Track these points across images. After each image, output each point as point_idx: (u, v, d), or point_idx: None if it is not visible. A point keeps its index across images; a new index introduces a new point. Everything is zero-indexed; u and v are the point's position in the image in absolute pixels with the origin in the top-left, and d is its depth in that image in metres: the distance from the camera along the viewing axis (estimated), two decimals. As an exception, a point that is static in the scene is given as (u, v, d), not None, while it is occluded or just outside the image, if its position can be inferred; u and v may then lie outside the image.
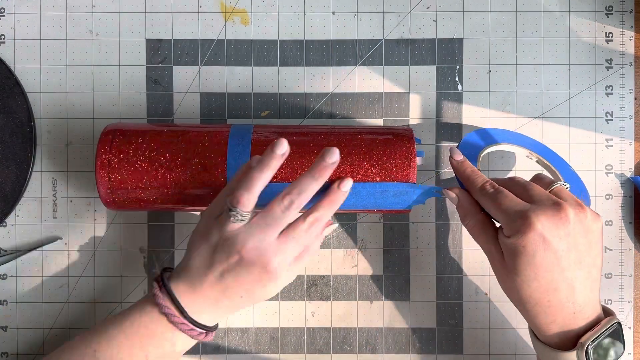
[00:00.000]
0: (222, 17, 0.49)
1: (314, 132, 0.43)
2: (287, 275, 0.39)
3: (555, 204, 0.37)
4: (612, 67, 0.49)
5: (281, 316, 0.50)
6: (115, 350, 0.37)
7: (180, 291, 0.38)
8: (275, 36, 0.49)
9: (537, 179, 0.41)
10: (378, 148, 0.42)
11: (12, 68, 0.49)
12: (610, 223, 0.49)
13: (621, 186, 0.49)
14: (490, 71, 0.49)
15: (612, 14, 0.49)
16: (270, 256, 0.37)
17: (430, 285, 0.49)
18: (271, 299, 0.49)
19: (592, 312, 0.38)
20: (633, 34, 0.49)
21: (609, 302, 0.49)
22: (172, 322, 0.37)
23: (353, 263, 0.50)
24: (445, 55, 0.49)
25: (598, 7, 0.49)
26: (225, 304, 0.39)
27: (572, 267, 0.37)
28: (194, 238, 0.40)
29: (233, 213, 0.37)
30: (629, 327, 0.49)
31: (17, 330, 0.49)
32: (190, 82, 0.49)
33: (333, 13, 0.49)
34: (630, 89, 0.49)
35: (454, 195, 0.42)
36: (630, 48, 0.49)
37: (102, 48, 0.49)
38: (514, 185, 0.40)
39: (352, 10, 0.49)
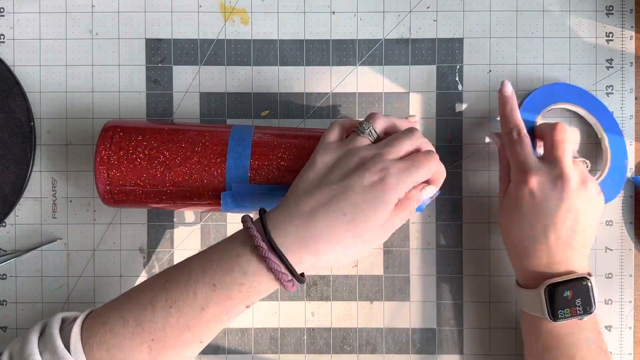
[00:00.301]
0: (222, 16, 0.49)
1: (310, 136, 0.43)
2: (392, 217, 0.36)
3: (559, 170, 0.41)
4: (612, 67, 0.49)
5: (281, 316, 0.50)
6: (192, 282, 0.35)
7: (279, 221, 0.35)
8: (275, 36, 0.49)
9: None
10: None
11: (11, 68, 0.49)
12: (610, 223, 0.49)
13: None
14: (490, 71, 0.49)
15: (612, 13, 0.49)
16: (389, 170, 0.36)
17: (430, 285, 0.49)
18: (271, 299, 0.49)
19: (566, 267, 0.41)
20: (633, 33, 0.49)
21: (609, 302, 0.49)
22: (271, 270, 0.34)
23: (353, 263, 0.50)
24: (445, 55, 0.49)
25: (598, 7, 0.49)
26: (324, 229, 0.35)
27: (558, 225, 0.41)
28: (303, 171, 0.38)
29: (364, 126, 0.39)
30: (629, 327, 0.49)
31: (17, 330, 0.49)
32: (190, 81, 0.49)
33: (333, 13, 0.49)
34: (630, 89, 0.49)
35: (498, 140, 0.47)
36: (630, 48, 0.49)
37: (101, 48, 0.49)
38: (548, 136, 0.43)
39: (352, 10, 0.49)
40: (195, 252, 0.38)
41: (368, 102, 0.49)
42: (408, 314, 0.50)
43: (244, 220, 0.36)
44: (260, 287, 0.35)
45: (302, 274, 0.37)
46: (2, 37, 0.49)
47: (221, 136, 0.42)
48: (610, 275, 0.49)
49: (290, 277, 0.35)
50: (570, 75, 0.49)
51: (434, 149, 0.40)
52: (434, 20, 0.49)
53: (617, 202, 0.49)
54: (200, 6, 0.49)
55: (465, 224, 0.49)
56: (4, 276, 0.49)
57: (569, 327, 0.41)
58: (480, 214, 0.49)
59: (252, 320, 0.50)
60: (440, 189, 0.40)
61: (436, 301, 0.50)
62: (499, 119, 0.45)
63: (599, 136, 0.49)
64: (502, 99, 0.44)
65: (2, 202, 0.48)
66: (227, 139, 0.42)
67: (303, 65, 0.49)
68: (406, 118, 0.47)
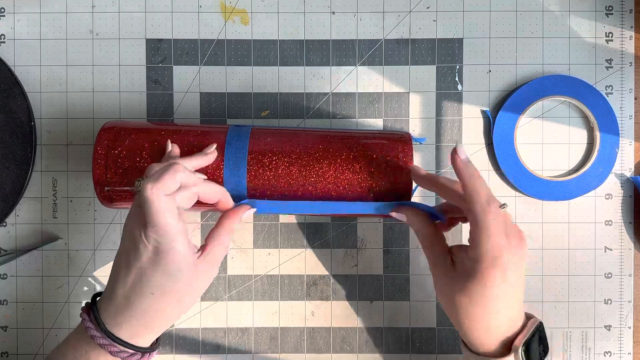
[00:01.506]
0: (222, 17, 0.49)
1: (309, 136, 0.43)
2: (187, 252, 0.37)
3: (518, 243, 0.37)
4: (612, 67, 0.49)
5: (281, 316, 0.50)
6: None
7: (103, 309, 0.38)
8: (275, 36, 0.49)
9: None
10: (373, 153, 0.42)
11: (12, 68, 0.49)
12: (610, 223, 0.49)
13: (621, 186, 0.49)
14: (490, 71, 0.49)
15: (612, 13, 0.49)
16: (146, 193, 0.35)
17: (430, 285, 0.49)
18: (271, 299, 0.49)
19: (520, 320, 0.39)
20: (633, 33, 0.49)
21: (609, 302, 0.49)
22: (99, 345, 0.37)
23: (353, 263, 0.50)
24: (445, 55, 0.49)
25: (598, 7, 0.49)
26: (143, 305, 0.37)
27: (513, 292, 0.38)
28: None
29: (137, 181, 0.37)
30: (629, 327, 0.49)
31: (17, 330, 0.49)
32: (190, 82, 0.49)
33: (333, 13, 0.49)
34: (630, 89, 0.49)
35: (403, 215, 0.41)
36: (630, 48, 0.49)
37: (102, 48, 0.49)
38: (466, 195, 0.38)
39: (352, 10, 0.49)
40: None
41: (368, 102, 0.49)
42: (408, 313, 0.50)
43: (82, 316, 0.38)
44: None
45: (157, 340, 0.40)
46: (2, 37, 0.49)
47: (219, 136, 0.42)
48: (609, 275, 0.49)
49: (140, 354, 0.38)
50: (570, 75, 0.49)
51: (217, 192, 0.40)
52: (434, 20, 0.49)
53: (617, 202, 0.49)
54: (201, 6, 0.49)
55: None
56: (4, 276, 0.49)
57: None
58: (480, 213, 0.49)
59: (252, 320, 0.50)
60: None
61: (436, 301, 0.50)
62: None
63: (591, 125, 0.49)
64: (460, 165, 0.38)
65: (3, 202, 0.48)
66: (224, 138, 0.42)
67: (303, 65, 0.49)
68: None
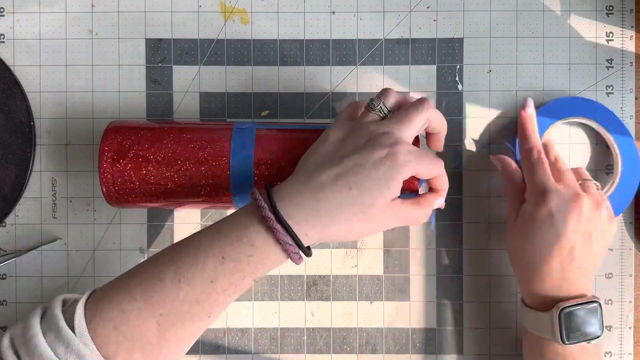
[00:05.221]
0: (222, 16, 0.49)
1: (312, 130, 0.43)
2: (405, 205, 0.37)
3: (575, 194, 0.41)
4: (612, 67, 0.49)
5: (281, 316, 0.50)
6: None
7: (287, 194, 0.35)
8: (275, 36, 0.49)
9: (576, 171, 0.46)
10: None
11: (12, 68, 0.49)
12: (610, 223, 0.49)
13: (621, 186, 0.49)
14: (490, 71, 0.49)
15: (612, 13, 0.49)
16: (398, 147, 0.36)
17: (430, 285, 0.49)
18: (271, 299, 0.49)
19: (577, 290, 0.41)
20: (633, 33, 0.49)
21: (609, 302, 0.49)
22: (278, 241, 0.34)
23: (353, 263, 0.50)
24: (445, 55, 0.49)
25: (598, 7, 0.49)
26: (331, 202, 0.35)
27: (575, 247, 0.41)
28: (314, 145, 0.38)
29: (375, 103, 0.38)
30: (629, 327, 0.49)
31: (17, 330, 0.49)
32: (190, 81, 0.49)
33: (333, 13, 0.49)
34: (630, 89, 0.49)
35: (499, 162, 0.47)
36: (630, 47, 0.49)
37: (101, 48, 0.49)
38: (554, 166, 0.44)
39: (352, 10, 0.49)
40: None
41: (368, 102, 0.49)
42: (408, 314, 0.50)
43: (252, 192, 0.36)
44: (268, 260, 0.35)
45: (309, 247, 0.37)
46: (2, 37, 0.49)
47: (225, 133, 0.42)
48: (610, 275, 0.49)
49: (297, 249, 0.35)
50: (570, 75, 0.49)
51: (444, 124, 0.40)
52: (434, 20, 0.49)
53: (617, 202, 0.49)
54: (200, 6, 0.49)
55: (465, 224, 0.49)
56: (4, 276, 0.49)
57: (576, 351, 0.41)
58: (480, 214, 0.49)
59: (252, 320, 0.50)
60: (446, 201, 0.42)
61: (436, 301, 0.50)
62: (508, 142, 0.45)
63: (611, 149, 0.48)
64: (523, 118, 0.45)
65: (2, 202, 0.48)
66: (230, 135, 0.42)
67: (303, 65, 0.49)
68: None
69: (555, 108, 0.48)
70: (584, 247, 0.41)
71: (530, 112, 0.46)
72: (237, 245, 0.35)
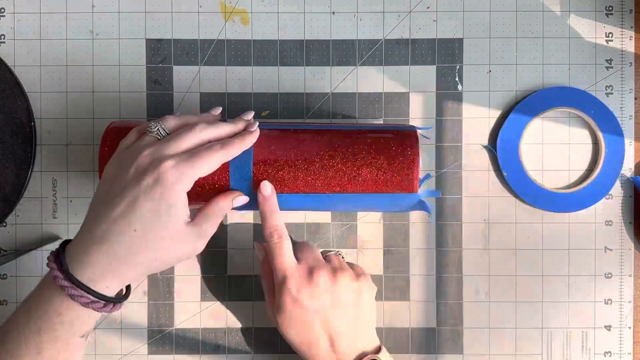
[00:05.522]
0: (222, 17, 0.49)
1: (313, 131, 0.43)
2: (183, 210, 0.35)
3: (310, 269, 0.40)
4: (612, 67, 0.49)
5: (281, 316, 0.50)
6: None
7: (72, 252, 0.35)
8: (275, 36, 0.49)
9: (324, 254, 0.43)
10: (379, 150, 0.41)
11: (12, 68, 0.49)
12: (610, 223, 0.49)
13: (621, 186, 0.49)
14: (490, 71, 0.49)
15: (612, 13, 0.49)
16: (164, 165, 0.34)
17: (430, 285, 0.49)
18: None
19: (356, 354, 0.40)
20: (633, 33, 0.49)
21: (609, 302, 0.49)
22: (68, 294, 0.34)
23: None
24: (445, 55, 0.49)
25: (598, 7, 0.49)
26: (117, 251, 0.34)
27: (329, 322, 0.39)
28: (97, 186, 0.37)
29: (152, 126, 0.37)
30: (629, 327, 0.49)
31: (17, 330, 0.49)
32: (190, 82, 0.49)
33: (333, 13, 0.49)
34: (630, 89, 0.49)
35: (261, 252, 0.44)
36: (630, 48, 0.49)
37: (102, 48, 0.49)
38: (299, 244, 0.43)
39: (352, 10, 0.49)
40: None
41: (368, 102, 0.49)
42: (408, 314, 0.50)
43: (47, 259, 0.36)
44: (80, 320, 0.35)
45: (128, 287, 0.37)
46: (2, 37, 0.49)
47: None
48: (609, 275, 0.49)
49: (101, 303, 0.35)
50: (569, 75, 0.49)
51: (232, 143, 0.38)
52: (434, 20, 0.49)
53: (617, 202, 0.49)
54: (201, 6, 0.49)
55: (465, 224, 0.49)
56: (4, 276, 0.49)
57: None
58: (480, 214, 0.49)
59: (252, 320, 0.50)
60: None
61: (436, 301, 0.50)
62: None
63: (597, 137, 0.49)
64: (261, 200, 0.40)
65: (3, 202, 0.48)
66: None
67: (303, 65, 0.49)
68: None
69: (534, 100, 0.48)
70: (340, 315, 0.40)
71: (268, 192, 0.40)
72: (46, 318, 0.35)
